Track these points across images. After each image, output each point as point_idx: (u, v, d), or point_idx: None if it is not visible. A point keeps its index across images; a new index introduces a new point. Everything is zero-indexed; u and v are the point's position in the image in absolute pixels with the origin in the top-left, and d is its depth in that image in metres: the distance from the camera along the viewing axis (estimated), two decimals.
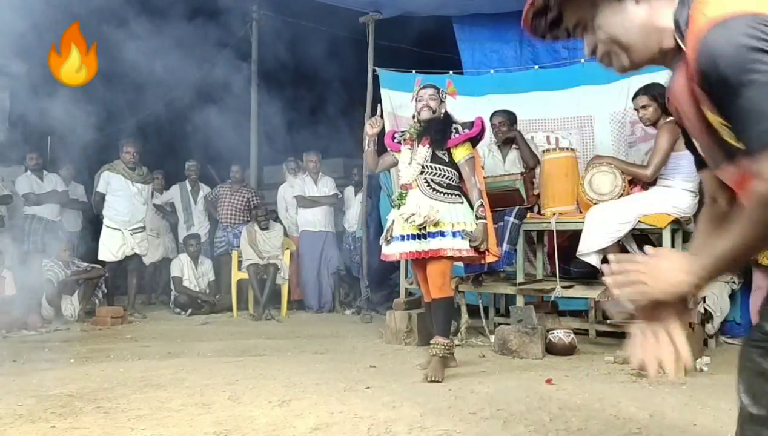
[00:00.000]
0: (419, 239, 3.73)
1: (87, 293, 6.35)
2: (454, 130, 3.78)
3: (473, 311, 4.90)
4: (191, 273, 7.02)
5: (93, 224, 7.21)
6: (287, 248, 7.03)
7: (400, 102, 6.29)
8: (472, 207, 3.75)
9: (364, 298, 6.40)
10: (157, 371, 3.73)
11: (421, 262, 3.83)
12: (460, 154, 3.79)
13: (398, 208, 3.83)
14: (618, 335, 4.73)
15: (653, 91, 4.05)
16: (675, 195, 3.93)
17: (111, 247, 6.56)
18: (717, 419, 2.77)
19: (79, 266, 6.39)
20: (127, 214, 6.61)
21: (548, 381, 3.44)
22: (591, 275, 4.58)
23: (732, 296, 4.48)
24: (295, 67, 7.92)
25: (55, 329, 5.74)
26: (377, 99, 6.27)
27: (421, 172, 3.77)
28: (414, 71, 6.26)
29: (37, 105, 5.65)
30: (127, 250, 6.62)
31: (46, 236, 6.69)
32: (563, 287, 4.29)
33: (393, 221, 3.90)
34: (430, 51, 7.23)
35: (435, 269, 3.74)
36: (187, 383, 3.40)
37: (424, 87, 3.90)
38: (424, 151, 3.80)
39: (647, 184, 4.07)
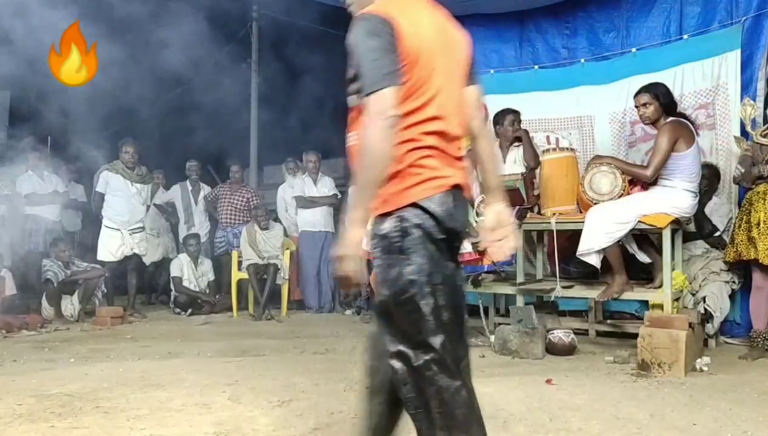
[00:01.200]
0: None
1: (87, 293, 6.34)
2: None
3: (473, 311, 4.89)
4: (191, 273, 7.02)
5: (93, 224, 7.20)
6: (287, 248, 7.02)
7: None
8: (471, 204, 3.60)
9: (364, 298, 6.40)
10: (156, 371, 3.73)
11: None
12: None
13: None
14: (618, 335, 4.74)
15: (655, 90, 4.06)
16: (675, 195, 3.92)
17: (110, 247, 6.56)
18: (717, 419, 2.78)
19: (78, 266, 6.39)
20: (127, 214, 6.61)
21: (548, 381, 3.44)
22: (591, 275, 4.59)
23: (732, 296, 4.48)
24: (294, 66, 7.92)
25: (55, 329, 5.74)
26: None
27: None
28: None
29: (38, 104, 5.65)
30: (126, 250, 6.62)
31: (46, 236, 6.68)
32: (563, 287, 4.29)
33: None
34: None
35: None
36: (187, 383, 3.40)
37: None
38: None
39: (647, 184, 4.07)
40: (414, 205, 1.66)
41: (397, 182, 1.67)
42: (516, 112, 4.98)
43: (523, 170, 4.79)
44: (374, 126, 1.58)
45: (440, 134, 1.71)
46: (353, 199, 1.62)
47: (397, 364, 1.66)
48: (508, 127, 4.93)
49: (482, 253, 3.62)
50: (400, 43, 1.64)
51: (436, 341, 1.63)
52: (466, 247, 3.60)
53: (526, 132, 4.94)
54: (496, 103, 5.41)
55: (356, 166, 1.63)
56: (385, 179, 1.63)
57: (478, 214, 3.43)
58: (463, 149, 1.84)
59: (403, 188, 1.67)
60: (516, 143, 4.95)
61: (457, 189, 1.73)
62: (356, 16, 1.75)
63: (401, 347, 1.66)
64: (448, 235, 1.70)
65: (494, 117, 4.99)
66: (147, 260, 7.21)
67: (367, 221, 1.65)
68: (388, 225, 1.67)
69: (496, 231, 1.90)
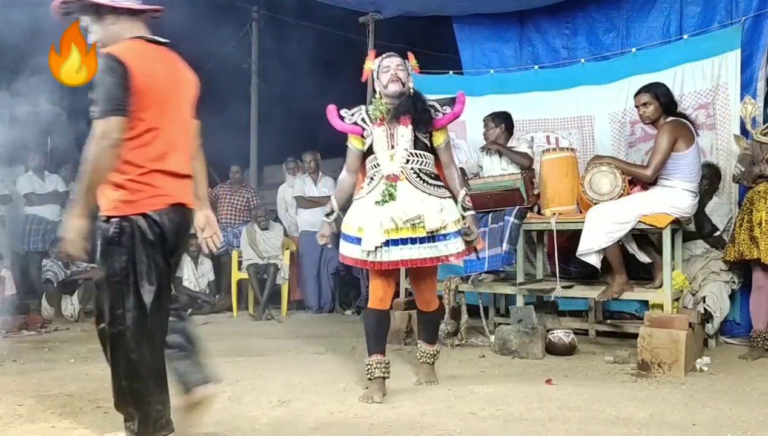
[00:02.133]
0: (422, 242, 3.12)
1: (87, 293, 6.34)
2: (441, 110, 3.24)
3: (473, 311, 4.90)
4: (191, 273, 7.02)
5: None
6: (287, 248, 7.03)
7: None
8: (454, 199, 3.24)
9: (363, 298, 6.40)
10: None
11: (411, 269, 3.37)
12: (442, 136, 3.25)
13: (383, 205, 3.13)
14: (618, 335, 4.74)
15: (655, 90, 4.05)
16: (675, 195, 3.92)
17: None
18: (716, 419, 2.78)
19: (78, 266, 6.39)
20: None
21: (548, 381, 3.45)
22: (591, 275, 4.59)
23: (732, 296, 4.48)
24: (294, 67, 7.92)
25: (55, 329, 5.74)
26: None
27: (407, 161, 3.16)
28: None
29: (37, 105, 5.65)
30: None
31: (46, 236, 6.68)
32: (563, 287, 4.29)
33: (375, 221, 3.13)
34: (430, 51, 7.21)
35: (432, 279, 3.41)
36: None
37: (388, 56, 3.29)
38: (407, 133, 3.16)
39: (647, 184, 4.07)
40: (138, 214, 2.17)
41: (127, 194, 2.17)
42: (496, 117, 4.87)
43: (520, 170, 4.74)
44: (98, 145, 2.08)
45: (163, 157, 2.22)
46: (77, 195, 2.17)
47: (105, 328, 2.30)
48: (488, 131, 4.88)
49: (470, 243, 3.23)
50: (131, 81, 2.11)
51: (129, 315, 2.21)
52: (455, 246, 3.18)
53: (502, 145, 4.79)
54: (496, 103, 5.42)
55: (81, 171, 2.13)
56: (111, 187, 2.16)
57: (465, 208, 3.20)
58: (190, 169, 2.40)
59: (132, 200, 2.17)
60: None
61: (178, 205, 2.26)
62: (101, 53, 2.24)
63: (108, 317, 2.26)
64: (162, 239, 2.22)
65: (483, 119, 4.97)
66: None
67: (86, 214, 2.15)
68: (112, 226, 2.18)
69: (206, 230, 2.60)
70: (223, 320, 6.58)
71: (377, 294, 3.28)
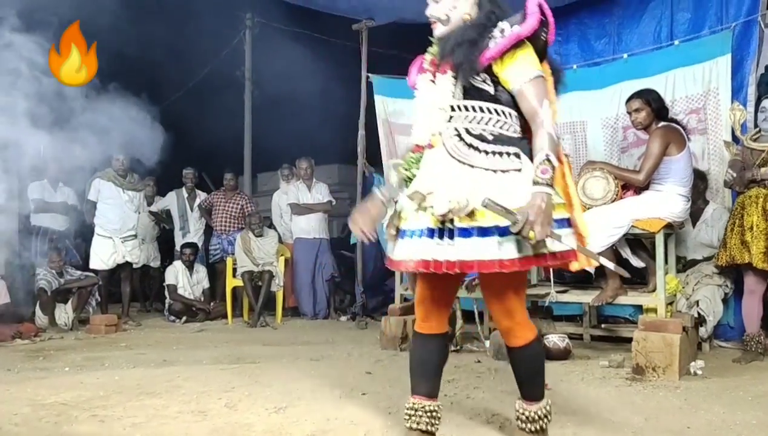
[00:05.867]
0: (440, 236, 2.10)
1: (80, 301, 6.33)
2: (497, 35, 2.13)
3: (469, 317, 4.91)
4: (186, 281, 7.02)
5: (88, 232, 7.16)
6: (282, 255, 7.03)
7: (394, 108, 6.33)
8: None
9: (359, 304, 6.40)
10: (152, 378, 3.72)
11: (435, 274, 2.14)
12: (513, 72, 2.13)
13: (406, 182, 2.33)
14: (613, 340, 4.76)
15: (647, 96, 4.10)
16: (667, 199, 3.95)
17: (102, 255, 6.56)
18: (711, 422, 2.80)
19: (72, 275, 6.37)
20: (118, 222, 6.61)
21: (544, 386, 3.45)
22: (585, 280, 4.61)
23: (726, 300, 4.50)
24: (288, 74, 7.93)
25: (49, 337, 5.72)
26: (371, 105, 6.31)
27: (450, 119, 2.20)
28: (407, 77, 6.29)
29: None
30: (119, 258, 6.63)
31: (50, 245, 6.63)
32: (558, 292, 4.30)
33: (401, 205, 2.30)
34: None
35: (494, 295, 2.22)
36: (183, 391, 3.40)
37: None
38: (447, 83, 2.21)
39: (640, 189, 4.10)
40: None
41: None
42: None
43: None
44: None
45: None
46: None
47: None
48: None
49: (543, 256, 2.08)
50: None
51: None
52: (492, 249, 2.04)
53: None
54: None
55: None
56: None
57: (535, 183, 2.04)
58: None
59: None
60: None
61: None
62: None
63: None
64: None
65: None
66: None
67: None
68: None
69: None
70: (218, 327, 6.57)
71: (419, 311, 2.36)
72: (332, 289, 7.22)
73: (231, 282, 6.88)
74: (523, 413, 2.35)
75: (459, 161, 2.15)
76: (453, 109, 2.20)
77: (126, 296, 6.86)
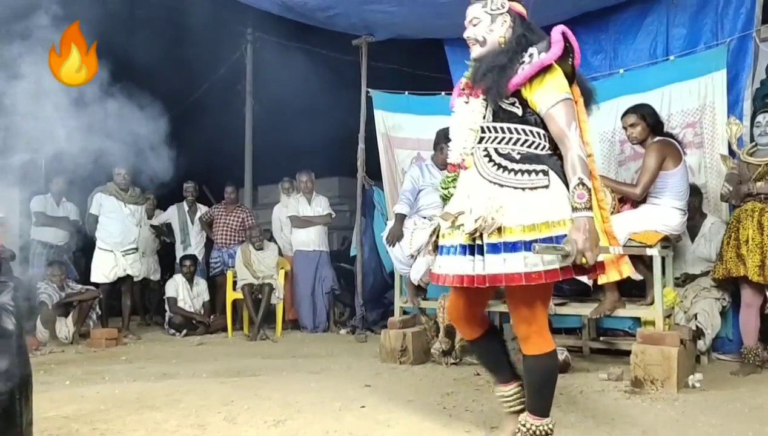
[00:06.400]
0: (474, 253, 2.26)
1: (81, 315, 6.34)
2: (526, 60, 2.26)
3: None
4: (186, 294, 7.03)
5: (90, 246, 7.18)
6: (282, 268, 7.05)
7: (393, 122, 6.38)
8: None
9: (358, 317, 6.41)
10: (152, 392, 3.73)
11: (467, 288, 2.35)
12: (541, 97, 2.24)
13: (444, 201, 2.47)
14: (611, 353, 4.77)
15: (642, 111, 4.15)
16: (664, 213, 3.99)
17: (103, 269, 6.58)
18: (708, 434, 2.81)
19: (73, 288, 6.39)
20: (119, 236, 6.63)
21: None
22: (584, 293, 4.63)
23: (724, 313, 4.52)
24: (289, 88, 8.00)
25: (50, 351, 5.73)
26: (371, 119, 6.37)
27: (481, 140, 2.34)
28: (406, 92, 6.36)
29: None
30: (120, 271, 6.64)
31: (52, 259, 6.64)
32: (556, 305, 4.32)
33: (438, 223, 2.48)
34: (423, 72, 7.32)
35: (517, 304, 2.35)
36: (183, 404, 3.41)
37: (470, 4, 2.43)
38: (478, 105, 2.35)
39: (637, 202, 4.13)
40: None
41: None
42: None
43: None
44: None
45: None
46: None
47: None
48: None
49: (591, 269, 2.26)
50: None
51: None
52: (554, 266, 2.19)
53: None
54: None
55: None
56: None
57: (574, 208, 2.18)
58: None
59: None
60: None
61: None
62: None
63: None
64: None
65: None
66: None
67: None
68: None
69: None
70: (218, 340, 6.58)
71: (458, 326, 2.65)
72: (332, 302, 7.23)
73: (231, 295, 6.89)
74: (524, 425, 2.39)
75: (489, 181, 2.29)
76: (483, 131, 2.34)
77: (126, 309, 6.87)
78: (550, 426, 2.39)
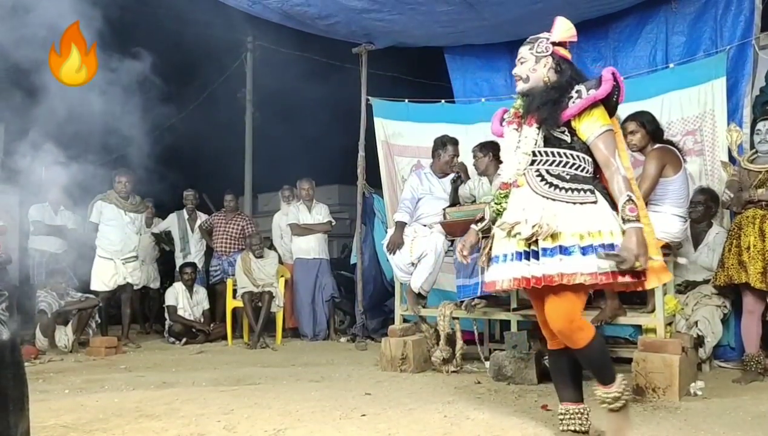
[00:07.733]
0: (529, 258, 2.55)
1: (81, 323, 6.32)
2: (574, 96, 2.59)
3: (469, 338, 4.90)
4: (186, 302, 7.02)
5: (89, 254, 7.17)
6: (282, 276, 7.04)
7: (393, 130, 6.39)
8: (615, 207, 2.55)
9: (359, 325, 6.40)
10: (151, 401, 3.72)
11: (537, 291, 2.62)
12: (588, 127, 2.58)
13: (497, 215, 2.74)
14: (613, 360, 4.73)
15: (642, 118, 4.15)
16: (664, 220, 3.98)
17: (103, 277, 6.57)
18: None
19: (73, 297, 6.38)
20: (120, 244, 6.62)
21: (544, 407, 3.45)
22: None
23: (725, 320, 4.51)
24: (289, 96, 8.03)
25: (49, 359, 5.71)
26: (371, 127, 6.38)
27: (533, 163, 2.65)
28: (406, 100, 6.37)
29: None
30: (119, 279, 6.63)
31: (47, 269, 6.63)
32: None
33: (492, 235, 2.78)
34: (423, 80, 7.35)
35: (554, 306, 2.56)
36: (182, 413, 3.39)
37: (523, 44, 2.76)
38: (532, 133, 2.66)
39: None
40: None
41: None
42: (483, 147, 4.92)
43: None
44: None
45: None
46: None
47: None
48: (477, 161, 4.94)
49: (638, 274, 2.53)
50: None
51: None
52: (605, 269, 2.46)
53: (464, 165, 4.99)
54: (488, 131, 5.46)
55: None
56: None
57: (624, 220, 2.48)
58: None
59: None
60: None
61: None
62: None
63: None
64: None
65: (472, 150, 5.00)
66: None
67: None
68: None
69: None
70: (218, 348, 6.56)
71: (544, 331, 2.79)
72: (332, 310, 7.22)
73: (231, 303, 6.88)
74: (606, 396, 2.62)
75: (542, 196, 2.58)
76: (535, 155, 2.65)
77: (126, 317, 6.86)
78: (624, 383, 2.63)
